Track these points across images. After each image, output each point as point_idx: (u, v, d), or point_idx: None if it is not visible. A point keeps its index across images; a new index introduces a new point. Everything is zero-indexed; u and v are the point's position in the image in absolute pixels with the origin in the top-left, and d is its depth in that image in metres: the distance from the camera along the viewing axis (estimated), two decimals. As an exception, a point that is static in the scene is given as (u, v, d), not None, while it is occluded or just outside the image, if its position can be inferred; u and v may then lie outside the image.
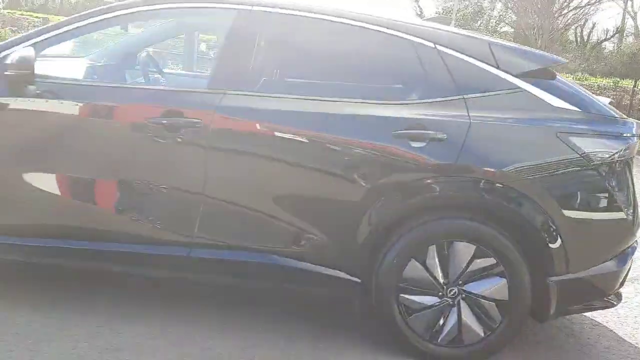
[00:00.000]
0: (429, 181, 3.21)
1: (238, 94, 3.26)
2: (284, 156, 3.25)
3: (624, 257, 3.40)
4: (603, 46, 37.01)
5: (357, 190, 3.23)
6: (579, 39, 36.11)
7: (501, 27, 35.87)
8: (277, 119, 3.24)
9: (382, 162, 3.22)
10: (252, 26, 3.35)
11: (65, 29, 3.36)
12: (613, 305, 3.49)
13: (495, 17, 36.63)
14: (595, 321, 4.01)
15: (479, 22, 34.54)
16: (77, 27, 3.37)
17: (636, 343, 3.78)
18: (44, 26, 3.45)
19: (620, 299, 3.53)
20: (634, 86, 21.82)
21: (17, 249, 3.35)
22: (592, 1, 24.10)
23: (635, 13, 40.36)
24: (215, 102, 3.23)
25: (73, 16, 3.43)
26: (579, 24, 32.83)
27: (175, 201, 3.31)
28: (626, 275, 3.46)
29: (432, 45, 3.35)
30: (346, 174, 3.24)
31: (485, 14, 36.55)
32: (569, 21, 29.21)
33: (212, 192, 3.26)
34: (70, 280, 3.82)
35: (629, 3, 37.79)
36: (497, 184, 3.20)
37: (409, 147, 3.19)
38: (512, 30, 33.09)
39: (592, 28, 37.10)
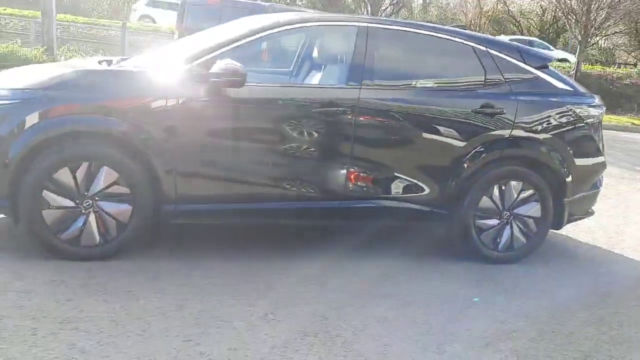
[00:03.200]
0: (497, 141, 4.79)
1: (369, 88, 4.55)
2: (405, 129, 4.62)
3: (598, 184, 5.30)
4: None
5: (451, 152, 4.72)
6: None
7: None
8: (399, 101, 4.60)
9: (467, 131, 4.73)
10: (370, 38, 4.63)
11: (242, 42, 4.40)
12: (591, 215, 5.38)
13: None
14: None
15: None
16: (248, 42, 4.42)
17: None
18: (226, 39, 4.42)
19: (594, 212, 5.42)
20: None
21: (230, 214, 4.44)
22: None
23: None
24: (356, 94, 4.50)
25: (242, 33, 4.45)
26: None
27: (331, 166, 4.54)
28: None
29: (484, 48, 4.91)
30: (443, 141, 4.71)
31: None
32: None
33: (357, 158, 4.55)
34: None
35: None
36: (536, 141, 4.89)
37: (484, 119, 4.74)
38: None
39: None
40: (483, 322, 3.89)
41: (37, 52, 14.12)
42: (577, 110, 5.03)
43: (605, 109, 5.33)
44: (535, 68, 5.03)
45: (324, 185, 4.55)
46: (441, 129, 4.71)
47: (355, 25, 4.68)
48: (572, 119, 5.02)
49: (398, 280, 4.43)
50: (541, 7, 39.80)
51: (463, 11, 40.16)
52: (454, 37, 4.91)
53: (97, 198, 4.15)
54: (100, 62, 5.18)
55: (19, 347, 3.07)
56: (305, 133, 4.46)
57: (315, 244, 5.00)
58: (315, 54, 5.01)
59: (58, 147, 4.06)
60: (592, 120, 5.11)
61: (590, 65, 30.65)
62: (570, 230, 5.94)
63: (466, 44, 4.90)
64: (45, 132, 4.02)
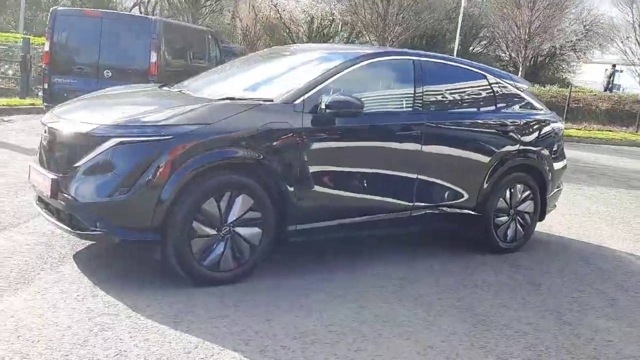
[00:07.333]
0: (512, 153, 5.90)
1: (430, 110, 5.37)
2: (452, 143, 5.51)
3: (561, 184, 6.69)
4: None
5: (481, 162, 5.71)
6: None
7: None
8: (449, 122, 5.51)
9: (490, 145, 5.76)
10: (423, 68, 5.43)
11: (340, 74, 4.91)
12: (555, 208, 6.74)
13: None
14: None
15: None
16: (344, 74, 4.95)
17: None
18: (325, 73, 4.88)
19: (556, 206, 6.79)
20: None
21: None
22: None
23: None
24: (424, 117, 5.29)
25: (335, 66, 4.96)
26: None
27: (407, 179, 5.25)
28: (559, 192, 6.77)
29: (491, 76, 6.00)
30: (477, 153, 5.68)
31: None
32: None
33: (423, 170, 5.33)
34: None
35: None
36: (533, 152, 6.10)
37: (502, 135, 5.82)
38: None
39: None
40: (562, 295, 4.97)
41: None
42: (553, 125, 6.36)
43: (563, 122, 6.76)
44: (523, 92, 6.24)
45: (402, 197, 5.27)
46: (475, 143, 5.71)
47: (410, 60, 5.45)
48: (550, 131, 6.34)
49: (472, 271, 5.33)
50: (309, 15, 42.29)
51: (238, 17, 41.27)
52: (470, 67, 5.94)
53: (233, 224, 4.43)
54: (160, 87, 5.35)
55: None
56: (394, 152, 5.16)
57: (387, 254, 5.66)
58: (389, 83, 5.61)
59: (206, 179, 4.28)
60: (561, 132, 6.49)
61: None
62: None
63: (480, 72, 5.94)
64: (197, 166, 4.22)
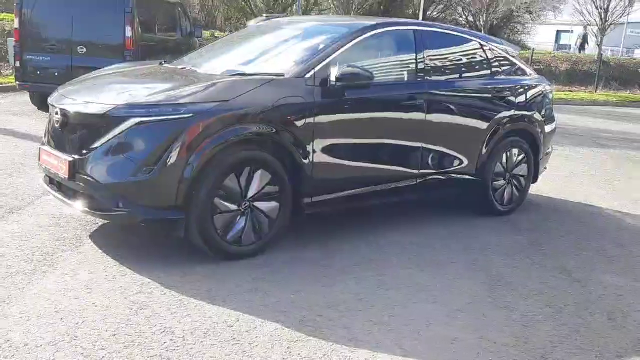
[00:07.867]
0: (507, 118, 6.04)
1: (432, 79, 5.46)
2: (452, 111, 5.59)
3: (551, 147, 6.88)
4: None
5: (480, 128, 5.84)
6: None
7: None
8: (449, 90, 5.61)
9: (487, 111, 5.89)
10: (423, 38, 5.50)
11: (346, 47, 4.95)
12: (544, 170, 6.93)
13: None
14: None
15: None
16: (350, 46, 4.98)
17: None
18: (331, 45, 4.91)
19: (546, 168, 6.98)
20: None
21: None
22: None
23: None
24: (425, 86, 5.38)
25: (340, 39, 4.99)
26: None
27: (413, 148, 5.36)
28: (547, 156, 6.97)
29: (484, 42, 6.11)
30: (475, 120, 5.81)
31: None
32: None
33: (427, 138, 5.44)
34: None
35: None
36: (526, 116, 6.26)
37: (498, 101, 5.95)
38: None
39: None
40: (564, 254, 5.17)
41: None
42: (543, 89, 6.53)
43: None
44: (513, 57, 6.37)
45: (409, 165, 5.38)
46: (475, 109, 5.82)
47: (410, 29, 5.52)
48: (541, 95, 6.51)
49: (468, 235, 5.49)
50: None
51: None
52: (464, 34, 6.05)
53: (252, 199, 4.48)
54: (161, 64, 5.34)
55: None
56: (401, 122, 5.25)
57: (405, 221, 5.77)
58: (392, 54, 5.62)
59: (226, 156, 4.31)
60: (550, 95, 6.66)
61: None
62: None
63: (473, 39, 6.05)
64: (217, 143, 4.24)
